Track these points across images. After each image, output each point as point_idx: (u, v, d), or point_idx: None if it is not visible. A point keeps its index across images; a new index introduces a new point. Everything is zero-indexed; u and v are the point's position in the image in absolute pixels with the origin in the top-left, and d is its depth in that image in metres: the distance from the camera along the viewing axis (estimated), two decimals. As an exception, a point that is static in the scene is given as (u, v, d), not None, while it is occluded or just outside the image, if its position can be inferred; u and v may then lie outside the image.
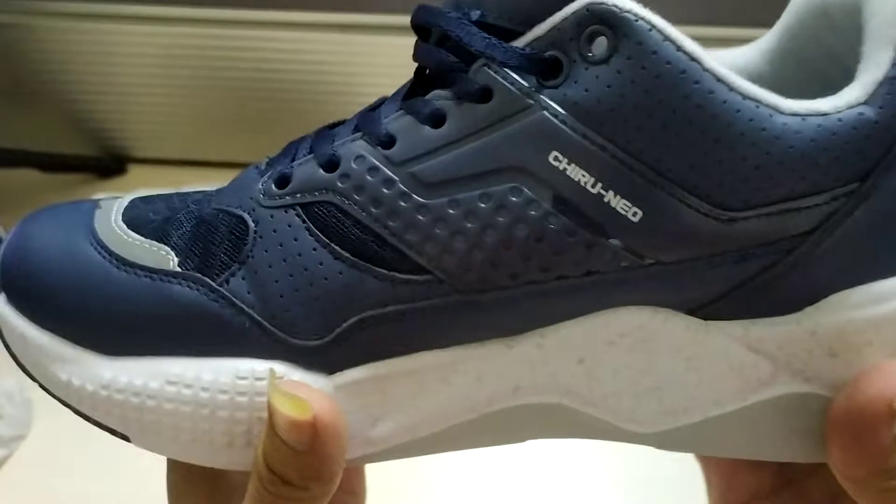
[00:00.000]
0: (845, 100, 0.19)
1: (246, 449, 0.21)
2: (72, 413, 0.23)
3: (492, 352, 0.21)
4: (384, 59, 0.65)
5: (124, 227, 0.22)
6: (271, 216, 0.21)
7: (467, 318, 0.20)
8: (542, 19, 0.19)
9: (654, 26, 0.18)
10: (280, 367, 0.21)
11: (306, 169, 0.21)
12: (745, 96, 0.18)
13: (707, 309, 0.20)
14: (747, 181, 0.19)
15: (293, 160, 0.22)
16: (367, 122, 0.21)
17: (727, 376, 0.20)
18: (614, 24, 0.18)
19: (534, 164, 0.19)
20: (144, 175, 0.76)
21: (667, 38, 0.18)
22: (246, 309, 0.21)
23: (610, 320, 0.20)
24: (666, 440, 0.21)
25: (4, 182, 0.70)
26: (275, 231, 0.21)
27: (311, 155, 0.21)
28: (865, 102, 0.19)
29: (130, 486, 0.39)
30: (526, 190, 0.19)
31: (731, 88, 0.18)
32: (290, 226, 0.21)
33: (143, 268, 0.21)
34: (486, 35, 0.19)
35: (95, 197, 0.25)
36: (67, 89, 0.72)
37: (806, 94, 0.21)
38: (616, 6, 0.18)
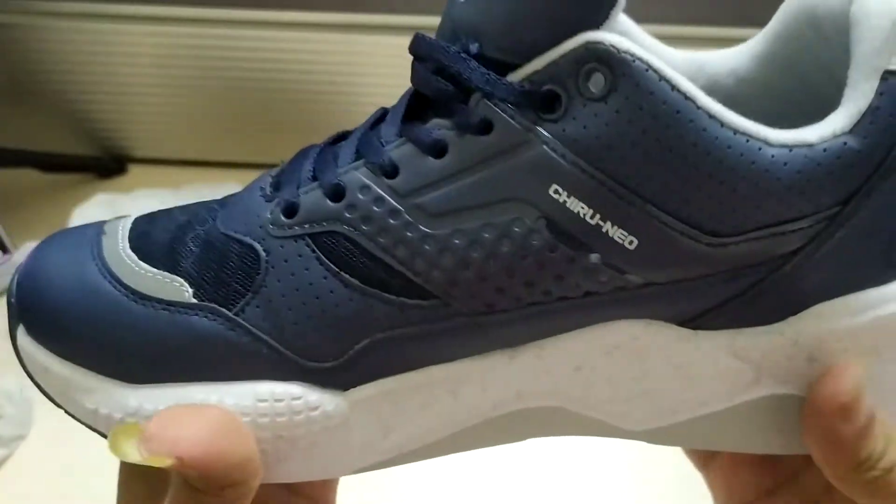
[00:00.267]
0: (830, 129, 0.20)
1: (272, 467, 0.22)
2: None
3: (495, 363, 0.22)
4: (384, 59, 0.66)
5: (134, 256, 0.22)
6: (281, 246, 0.22)
7: (473, 337, 0.21)
8: (540, 53, 0.19)
9: (650, 67, 0.19)
10: (297, 388, 0.22)
11: (313, 198, 0.21)
12: (736, 131, 0.19)
13: (697, 321, 0.21)
14: (738, 210, 0.20)
15: (298, 186, 0.22)
16: (368, 146, 0.21)
17: (713, 381, 0.22)
18: (612, 63, 0.19)
19: (535, 196, 0.20)
20: (144, 175, 0.76)
21: (662, 77, 0.19)
22: (262, 336, 0.21)
23: (605, 333, 0.21)
24: (656, 436, 0.23)
25: (4, 182, 0.70)
26: (286, 261, 0.21)
27: (317, 183, 0.22)
28: (850, 132, 0.20)
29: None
30: (527, 221, 0.20)
31: (723, 124, 0.19)
32: (300, 256, 0.21)
33: (159, 301, 0.22)
34: (485, 70, 0.20)
35: (98, 215, 0.25)
36: (67, 89, 0.72)
37: (793, 98, 0.22)
38: (614, 46, 0.19)
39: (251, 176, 0.25)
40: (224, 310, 0.21)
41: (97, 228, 0.24)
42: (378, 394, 0.22)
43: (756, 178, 0.19)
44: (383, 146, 0.21)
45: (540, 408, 0.22)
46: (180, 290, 0.22)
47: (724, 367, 0.21)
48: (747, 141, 0.19)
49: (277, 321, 0.21)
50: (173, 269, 0.22)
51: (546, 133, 0.20)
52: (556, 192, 0.20)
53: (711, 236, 0.20)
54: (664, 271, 0.20)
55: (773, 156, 0.19)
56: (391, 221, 0.21)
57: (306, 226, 0.21)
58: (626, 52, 0.19)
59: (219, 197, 0.25)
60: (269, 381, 0.22)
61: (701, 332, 0.21)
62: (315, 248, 0.21)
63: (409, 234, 0.21)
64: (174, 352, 0.22)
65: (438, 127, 0.20)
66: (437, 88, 0.21)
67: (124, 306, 0.22)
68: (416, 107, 0.21)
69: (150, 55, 0.69)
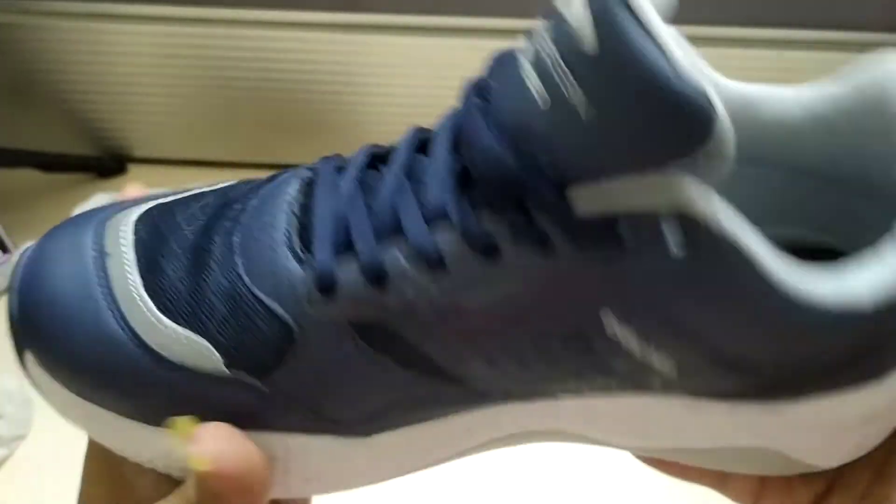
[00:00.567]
0: (881, 280, 0.19)
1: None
2: None
3: (511, 408, 0.22)
4: (384, 59, 0.65)
5: (152, 306, 0.21)
6: (317, 325, 0.20)
7: (494, 403, 0.22)
8: (616, 177, 0.18)
9: (739, 247, 0.18)
10: (322, 441, 0.22)
11: (351, 278, 0.20)
12: (797, 299, 0.18)
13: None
14: (778, 359, 0.20)
15: (333, 250, 0.20)
16: (408, 210, 0.20)
17: (704, 432, 0.22)
18: (698, 231, 0.18)
19: (582, 317, 0.19)
20: (144, 175, 0.76)
21: (747, 257, 0.18)
22: (292, 404, 0.21)
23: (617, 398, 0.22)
24: (644, 451, 0.24)
25: (4, 182, 0.70)
26: (321, 338, 0.20)
27: (353, 255, 0.20)
28: None
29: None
30: (569, 332, 0.20)
31: (782, 288, 0.18)
32: (337, 335, 0.20)
33: (186, 370, 0.21)
34: (555, 190, 0.18)
35: (95, 211, 0.23)
36: (67, 89, 0.72)
37: (855, 146, 0.21)
38: (705, 218, 0.17)
39: (251, 176, 0.24)
40: (256, 382, 0.21)
41: (96, 243, 0.22)
42: (397, 439, 0.22)
43: (804, 338, 0.19)
44: (427, 221, 0.19)
45: (543, 431, 0.23)
46: (210, 357, 0.21)
47: (717, 427, 0.22)
48: (804, 306, 0.19)
49: (308, 391, 0.21)
50: (199, 330, 0.21)
51: (606, 267, 0.18)
52: (607, 315, 0.19)
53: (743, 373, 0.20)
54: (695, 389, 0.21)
55: (821, 318, 0.19)
56: (433, 320, 0.20)
57: (346, 310, 0.20)
58: (717, 231, 0.18)
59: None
60: (296, 434, 0.22)
61: (703, 399, 0.21)
62: (353, 333, 0.20)
63: (449, 334, 0.20)
64: (203, 411, 0.21)
65: (493, 227, 0.19)
66: (505, 180, 0.19)
67: (148, 368, 0.21)
68: (465, 179, 0.20)
69: (150, 55, 0.69)
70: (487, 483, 0.49)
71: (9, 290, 0.22)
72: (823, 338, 0.19)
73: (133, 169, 0.77)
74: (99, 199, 0.67)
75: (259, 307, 0.20)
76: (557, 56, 0.17)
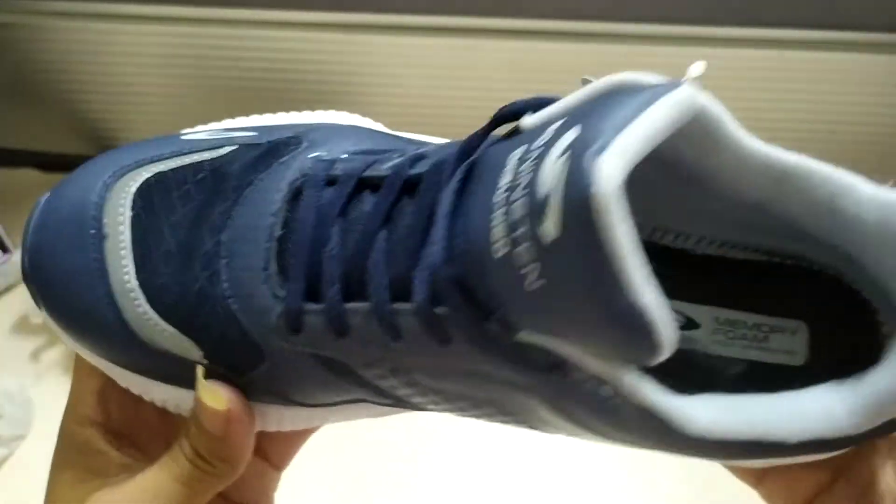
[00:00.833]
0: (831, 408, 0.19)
1: None
2: None
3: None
4: (385, 59, 0.65)
5: (143, 301, 0.23)
6: (283, 351, 0.23)
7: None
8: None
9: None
10: (292, 410, 0.25)
11: (316, 323, 0.21)
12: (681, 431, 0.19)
13: None
14: None
15: (305, 296, 0.21)
16: (377, 287, 0.20)
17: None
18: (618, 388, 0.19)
19: (517, 404, 0.21)
20: (144, 175, 0.76)
21: (649, 405, 0.19)
22: (265, 393, 0.24)
23: None
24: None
25: (4, 182, 0.71)
26: (287, 362, 0.23)
27: (322, 306, 0.21)
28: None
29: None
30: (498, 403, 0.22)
31: (674, 430, 0.18)
32: (301, 361, 0.23)
33: (173, 356, 0.24)
34: (498, 330, 0.19)
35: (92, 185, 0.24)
36: (67, 89, 0.72)
37: None
38: (631, 390, 0.18)
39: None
40: (234, 376, 0.24)
41: (96, 217, 0.23)
42: (346, 412, 0.26)
43: None
44: (392, 293, 0.20)
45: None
46: (193, 352, 0.23)
47: None
48: None
49: (276, 385, 0.24)
50: (185, 329, 0.23)
51: (544, 377, 0.19)
52: (531, 402, 0.20)
53: None
54: None
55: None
56: (388, 370, 0.22)
57: (309, 346, 0.22)
58: (637, 399, 0.18)
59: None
60: (272, 405, 0.25)
61: None
62: (317, 361, 0.22)
63: (403, 386, 0.22)
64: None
65: (448, 315, 0.19)
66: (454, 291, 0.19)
67: (141, 353, 0.24)
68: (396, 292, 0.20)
69: (150, 55, 0.69)
70: (486, 483, 0.49)
71: (22, 244, 0.25)
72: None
73: (133, 169, 0.77)
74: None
75: (236, 327, 0.22)
76: (525, 215, 0.17)
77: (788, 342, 0.23)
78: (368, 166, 0.22)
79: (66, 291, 0.23)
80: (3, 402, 0.52)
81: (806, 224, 0.20)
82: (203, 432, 0.23)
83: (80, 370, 0.27)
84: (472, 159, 0.20)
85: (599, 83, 0.18)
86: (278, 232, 0.22)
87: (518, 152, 0.18)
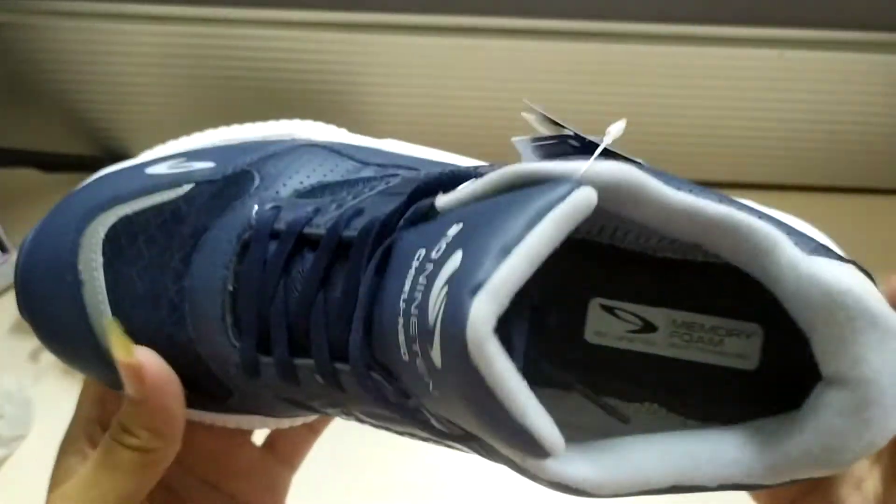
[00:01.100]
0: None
1: None
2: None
3: None
4: (385, 59, 0.65)
5: (125, 338, 0.24)
6: (248, 389, 0.25)
7: None
8: None
9: None
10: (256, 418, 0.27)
11: (270, 372, 0.23)
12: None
13: None
14: None
15: (258, 348, 0.23)
16: (319, 348, 0.22)
17: None
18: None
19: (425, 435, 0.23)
20: (144, 175, 0.76)
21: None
22: (244, 412, 0.26)
23: None
24: None
25: (4, 182, 0.70)
26: (253, 397, 0.25)
27: (273, 363, 0.23)
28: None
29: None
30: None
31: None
32: (266, 396, 0.25)
33: None
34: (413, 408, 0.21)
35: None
36: (67, 89, 0.72)
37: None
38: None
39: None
40: (210, 403, 0.25)
41: (72, 262, 0.25)
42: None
43: None
44: (331, 353, 0.22)
45: None
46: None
47: None
48: None
49: (248, 409, 0.26)
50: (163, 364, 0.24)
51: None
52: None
53: None
54: None
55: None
56: (344, 415, 0.24)
57: (269, 390, 0.24)
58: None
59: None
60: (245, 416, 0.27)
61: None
62: (278, 397, 0.24)
63: (367, 417, 0.24)
64: None
65: (382, 379, 0.21)
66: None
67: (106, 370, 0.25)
68: (369, 327, 0.21)
69: (150, 55, 0.69)
70: (486, 484, 0.49)
71: (14, 281, 0.26)
72: None
73: (133, 169, 0.77)
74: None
75: (204, 367, 0.24)
76: (418, 335, 0.18)
77: (742, 346, 0.23)
78: (309, 221, 0.22)
79: (54, 330, 0.25)
80: (3, 402, 0.52)
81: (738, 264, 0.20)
82: (126, 402, 0.23)
83: (85, 378, 0.28)
84: (388, 243, 0.20)
85: (504, 173, 0.18)
86: (231, 286, 0.23)
87: (420, 254, 0.18)
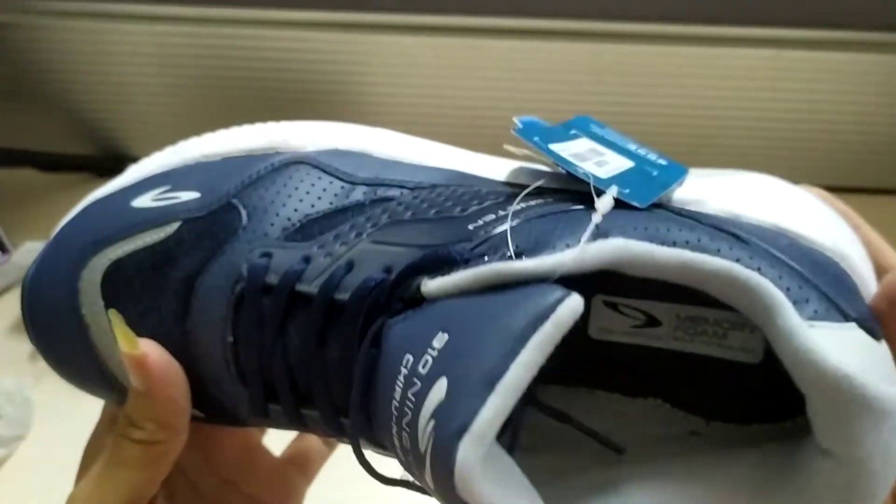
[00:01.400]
0: None
1: None
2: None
3: None
4: (385, 59, 0.65)
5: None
6: (260, 423, 0.26)
7: None
8: None
9: None
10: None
11: (280, 418, 0.24)
12: None
13: None
14: None
15: (265, 397, 0.23)
16: (321, 401, 0.23)
17: None
18: None
19: None
20: (144, 175, 0.76)
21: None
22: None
23: None
24: None
25: (4, 182, 0.70)
26: (267, 426, 0.26)
27: (282, 411, 0.23)
28: None
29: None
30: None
31: None
32: (277, 425, 0.26)
33: None
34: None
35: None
36: (67, 89, 0.72)
37: None
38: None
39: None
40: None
41: (73, 307, 0.25)
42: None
43: None
44: (331, 405, 0.22)
45: None
46: (195, 414, 0.25)
47: None
48: None
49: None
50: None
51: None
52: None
53: None
54: None
55: None
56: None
57: (280, 427, 0.25)
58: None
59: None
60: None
61: None
62: (290, 426, 0.25)
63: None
64: None
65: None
66: None
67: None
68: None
69: (150, 55, 0.69)
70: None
71: (23, 319, 0.26)
72: None
73: (133, 169, 0.77)
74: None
75: (219, 404, 0.25)
76: (411, 451, 0.19)
77: (746, 339, 0.23)
78: (299, 276, 0.22)
79: (71, 372, 0.26)
80: (3, 402, 0.52)
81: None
82: (132, 395, 0.23)
83: None
84: (379, 325, 0.20)
85: (487, 272, 0.18)
86: (229, 338, 0.23)
87: (408, 362, 0.18)
